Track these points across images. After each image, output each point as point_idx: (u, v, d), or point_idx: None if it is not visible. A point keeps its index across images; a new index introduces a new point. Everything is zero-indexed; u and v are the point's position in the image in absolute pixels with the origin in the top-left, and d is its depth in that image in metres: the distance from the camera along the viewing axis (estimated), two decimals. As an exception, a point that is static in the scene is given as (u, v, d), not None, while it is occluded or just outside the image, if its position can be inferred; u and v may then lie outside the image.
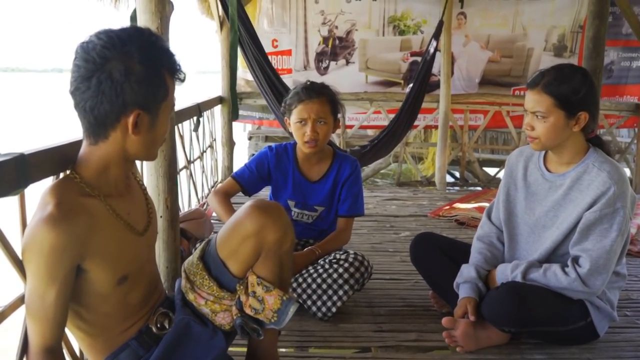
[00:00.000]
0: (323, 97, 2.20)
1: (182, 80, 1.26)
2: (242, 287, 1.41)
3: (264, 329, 1.44)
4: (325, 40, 5.41)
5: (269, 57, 4.56)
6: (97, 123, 1.16)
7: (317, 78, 5.40)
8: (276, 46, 5.04)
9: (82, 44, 1.14)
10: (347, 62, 5.47)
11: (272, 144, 2.39)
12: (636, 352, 1.91)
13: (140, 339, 1.33)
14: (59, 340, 1.19)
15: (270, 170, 2.31)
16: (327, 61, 5.45)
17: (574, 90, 1.76)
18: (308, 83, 2.25)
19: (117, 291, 1.26)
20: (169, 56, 1.21)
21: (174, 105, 1.27)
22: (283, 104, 2.29)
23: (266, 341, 1.51)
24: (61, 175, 1.45)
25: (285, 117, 2.29)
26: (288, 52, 5.36)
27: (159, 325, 1.36)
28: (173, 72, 1.22)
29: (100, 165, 1.22)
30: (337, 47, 5.43)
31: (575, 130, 1.80)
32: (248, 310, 1.41)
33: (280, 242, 1.39)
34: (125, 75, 1.12)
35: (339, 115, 2.26)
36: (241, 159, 4.01)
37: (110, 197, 1.25)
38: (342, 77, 5.45)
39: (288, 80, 5.39)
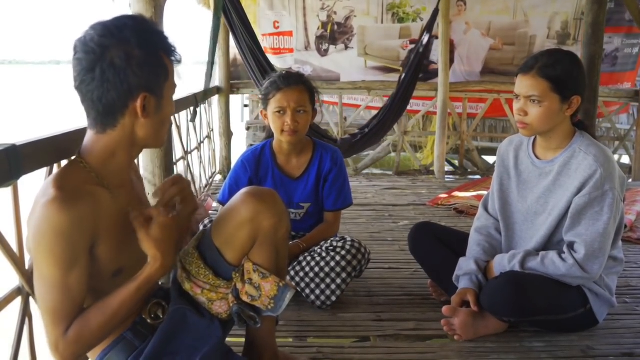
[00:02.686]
0: (301, 85, 2.14)
1: (179, 61, 1.27)
2: (238, 274, 1.41)
3: (261, 316, 1.44)
4: (324, 25, 5.45)
5: (271, 37, 4.58)
6: (105, 112, 1.18)
7: (318, 58, 5.52)
8: (277, 27, 5.06)
9: (80, 39, 1.16)
10: (346, 47, 5.52)
11: (243, 154, 2.28)
12: (636, 338, 1.91)
13: (135, 330, 1.32)
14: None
15: (252, 180, 2.20)
16: (326, 44, 5.50)
17: (568, 73, 1.77)
18: (284, 72, 2.20)
19: (112, 285, 1.25)
20: (164, 38, 1.23)
21: (176, 85, 1.28)
22: (260, 95, 2.20)
23: (264, 331, 1.51)
24: (54, 166, 1.44)
25: (262, 109, 2.22)
26: (289, 33, 5.41)
27: (152, 316, 1.35)
28: (169, 53, 1.23)
29: (107, 152, 1.22)
30: (335, 32, 5.47)
31: (567, 115, 1.81)
32: (245, 298, 1.41)
33: (275, 228, 1.39)
34: (127, 60, 1.14)
35: (317, 105, 2.20)
36: (239, 149, 3.99)
37: (114, 187, 1.24)
38: (342, 60, 5.52)
39: (290, 59, 5.42)
